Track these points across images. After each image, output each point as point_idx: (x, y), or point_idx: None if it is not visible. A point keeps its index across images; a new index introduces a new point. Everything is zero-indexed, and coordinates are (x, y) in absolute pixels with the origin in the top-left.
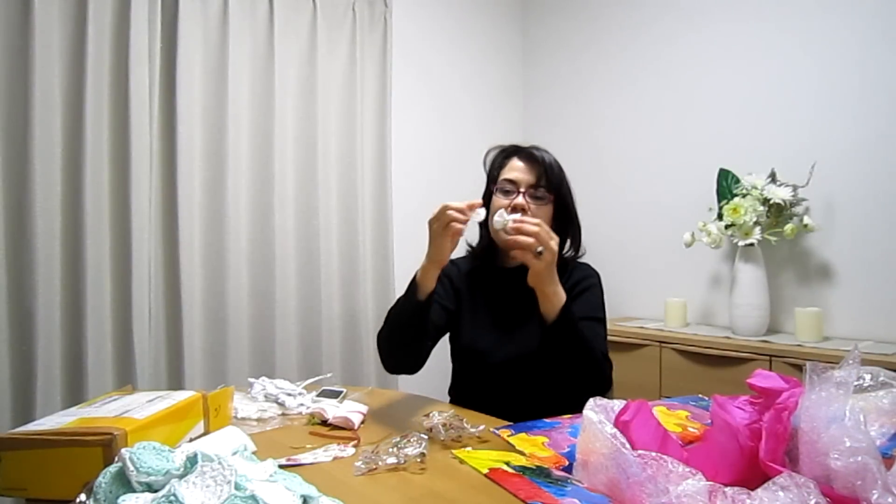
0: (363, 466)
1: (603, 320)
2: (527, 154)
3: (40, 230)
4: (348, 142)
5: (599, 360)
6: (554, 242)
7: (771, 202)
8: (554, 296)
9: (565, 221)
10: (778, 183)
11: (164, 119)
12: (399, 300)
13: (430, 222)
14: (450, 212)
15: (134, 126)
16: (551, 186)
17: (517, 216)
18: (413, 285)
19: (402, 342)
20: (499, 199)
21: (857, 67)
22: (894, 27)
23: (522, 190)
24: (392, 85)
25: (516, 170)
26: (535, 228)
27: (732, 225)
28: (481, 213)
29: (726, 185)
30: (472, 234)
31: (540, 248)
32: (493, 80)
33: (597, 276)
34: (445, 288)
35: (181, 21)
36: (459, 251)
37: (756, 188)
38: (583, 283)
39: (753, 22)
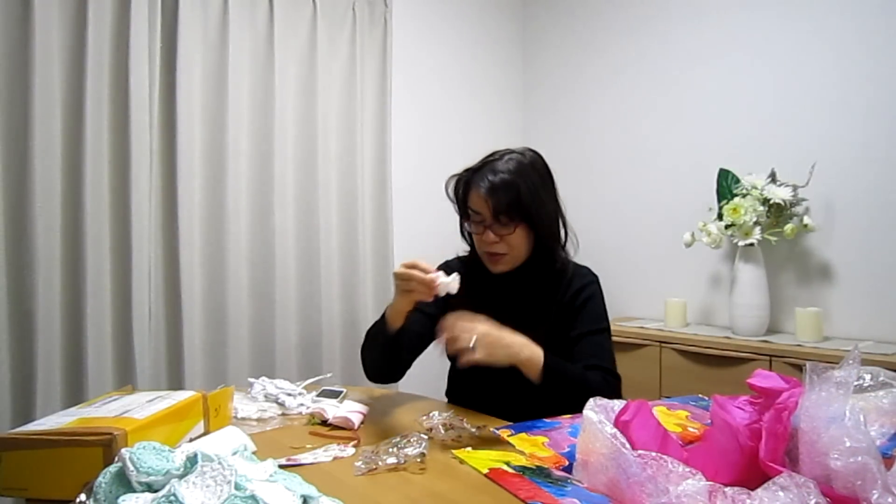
0: (363, 466)
1: (607, 329)
2: (479, 183)
3: (40, 230)
4: (348, 142)
5: (596, 389)
6: (480, 327)
7: (771, 202)
8: (528, 360)
9: (543, 234)
10: (778, 183)
11: (164, 119)
12: (376, 323)
13: (395, 277)
14: (414, 283)
15: (134, 126)
16: (513, 211)
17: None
18: (384, 317)
19: (380, 361)
20: (475, 234)
21: (857, 67)
22: (895, 27)
23: (488, 224)
24: (392, 85)
25: (476, 200)
26: (453, 334)
27: (732, 225)
28: (454, 285)
29: (726, 185)
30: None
31: (472, 343)
32: (493, 80)
33: (596, 280)
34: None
35: (181, 21)
36: (451, 253)
37: (756, 188)
38: (583, 294)
39: (754, 22)
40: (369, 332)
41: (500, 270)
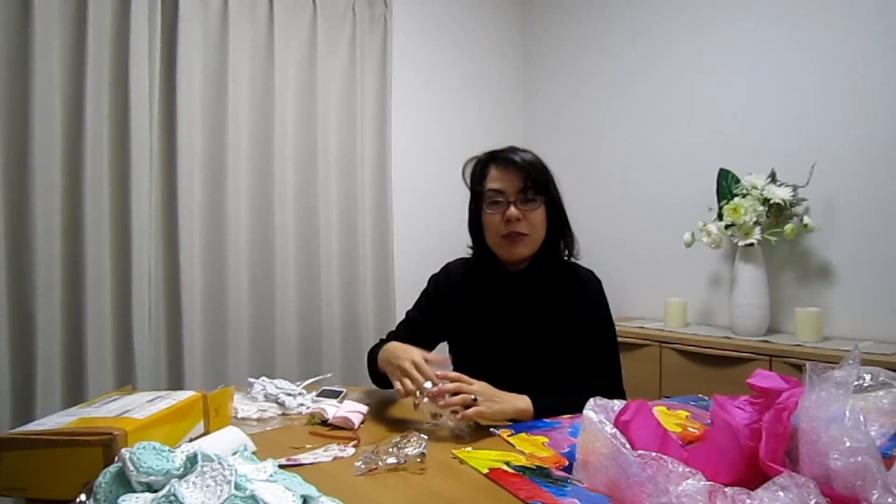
0: (363, 466)
1: (612, 337)
2: (505, 159)
3: (40, 230)
4: (348, 142)
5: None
6: (476, 385)
7: (771, 202)
8: (522, 413)
9: (557, 220)
10: (778, 183)
11: (164, 119)
12: (377, 354)
13: (392, 367)
14: (409, 383)
15: (134, 126)
16: (539, 187)
17: (429, 388)
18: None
19: (382, 381)
20: (490, 216)
21: (857, 67)
22: (894, 27)
23: (512, 199)
24: (392, 85)
25: (499, 178)
26: (451, 387)
27: (732, 225)
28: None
29: (726, 185)
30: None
31: (473, 397)
32: (493, 81)
33: (599, 285)
34: (431, 303)
35: (181, 21)
36: (457, 251)
37: (756, 188)
38: (588, 302)
39: (753, 22)
40: (374, 357)
41: (518, 255)
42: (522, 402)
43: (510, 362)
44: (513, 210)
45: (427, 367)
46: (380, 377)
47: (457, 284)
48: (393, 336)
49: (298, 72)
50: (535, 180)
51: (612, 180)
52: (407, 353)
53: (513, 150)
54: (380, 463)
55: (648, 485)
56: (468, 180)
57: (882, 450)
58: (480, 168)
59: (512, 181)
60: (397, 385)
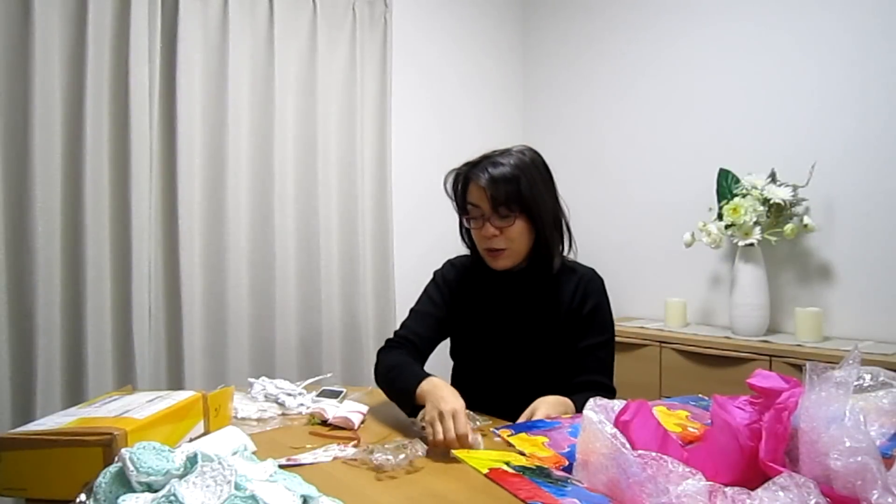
0: (363, 466)
1: (611, 338)
2: (479, 175)
3: (40, 230)
4: (348, 142)
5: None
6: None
7: (771, 202)
8: (564, 413)
9: (543, 229)
10: (778, 183)
11: (164, 119)
12: (403, 376)
13: (433, 420)
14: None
15: (134, 126)
16: (512, 202)
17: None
18: (410, 395)
19: (397, 398)
20: (473, 230)
21: (856, 67)
22: (894, 26)
23: (487, 217)
24: (392, 85)
25: (474, 194)
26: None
27: (732, 225)
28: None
29: (726, 185)
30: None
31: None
32: (493, 80)
33: (601, 285)
34: (443, 294)
35: (181, 21)
36: (457, 251)
37: (756, 188)
38: (590, 301)
39: (753, 22)
40: (389, 373)
41: (501, 266)
42: (571, 409)
43: (512, 359)
44: (489, 228)
45: (464, 420)
46: (396, 394)
47: (462, 279)
48: (404, 333)
49: (298, 72)
50: (508, 196)
51: (613, 180)
52: (454, 401)
53: (487, 163)
54: (380, 463)
55: (648, 485)
56: (450, 193)
57: (882, 450)
58: (461, 182)
59: (485, 198)
60: (428, 430)
